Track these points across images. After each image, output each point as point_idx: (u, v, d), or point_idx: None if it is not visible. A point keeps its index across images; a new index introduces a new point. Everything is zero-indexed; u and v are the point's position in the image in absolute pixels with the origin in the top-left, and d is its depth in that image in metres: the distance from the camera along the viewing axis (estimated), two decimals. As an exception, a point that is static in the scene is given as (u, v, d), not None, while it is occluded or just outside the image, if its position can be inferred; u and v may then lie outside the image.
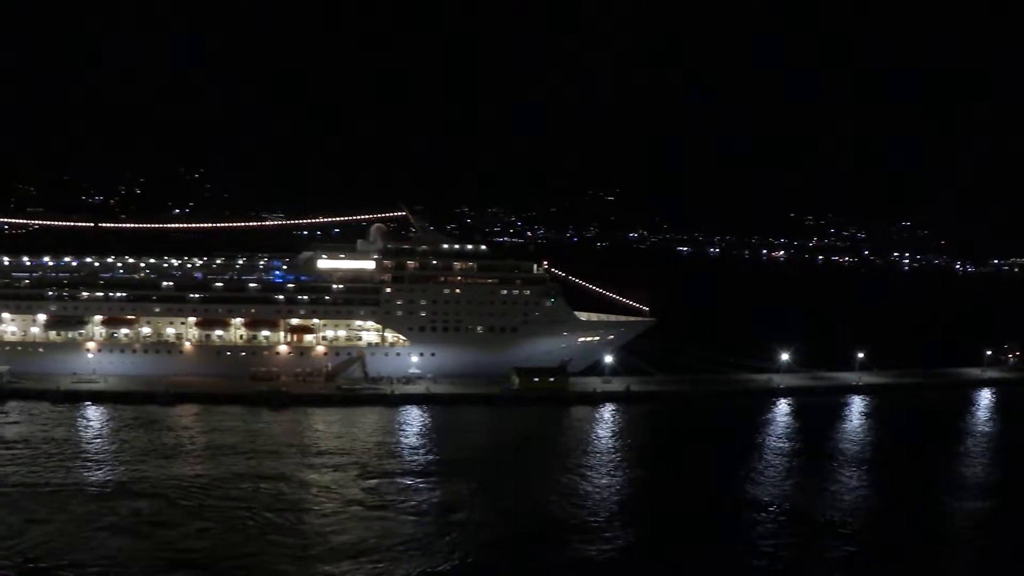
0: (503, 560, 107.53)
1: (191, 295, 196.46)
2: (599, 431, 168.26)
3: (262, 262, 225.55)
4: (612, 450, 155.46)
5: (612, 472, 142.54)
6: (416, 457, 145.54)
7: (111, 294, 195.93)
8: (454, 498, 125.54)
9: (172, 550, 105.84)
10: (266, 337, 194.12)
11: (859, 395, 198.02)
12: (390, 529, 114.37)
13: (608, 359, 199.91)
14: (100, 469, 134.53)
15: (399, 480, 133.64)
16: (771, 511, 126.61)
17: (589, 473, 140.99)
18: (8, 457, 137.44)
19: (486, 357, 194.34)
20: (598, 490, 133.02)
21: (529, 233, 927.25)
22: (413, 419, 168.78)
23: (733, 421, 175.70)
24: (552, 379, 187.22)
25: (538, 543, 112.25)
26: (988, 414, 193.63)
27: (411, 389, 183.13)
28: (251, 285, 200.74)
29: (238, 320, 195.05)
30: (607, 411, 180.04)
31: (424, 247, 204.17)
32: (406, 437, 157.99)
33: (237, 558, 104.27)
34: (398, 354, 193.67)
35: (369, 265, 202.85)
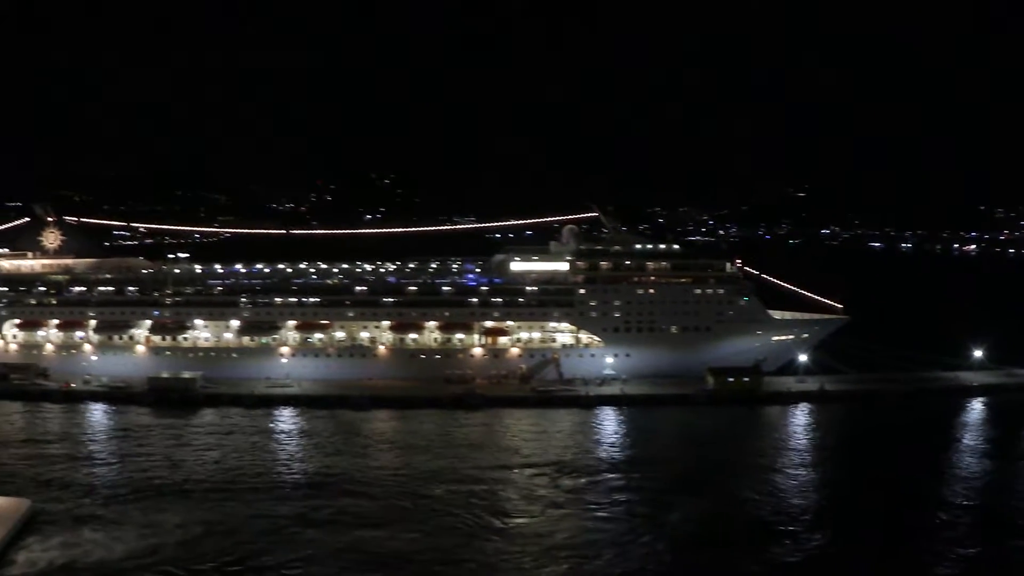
0: (700, 561, 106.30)
1: (385, 299, 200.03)
2: (793, 430, 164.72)
3: (455, 265, 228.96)
4: (806, 450, 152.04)
5: (806, 472, 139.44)
6: (612, 458, 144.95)
7: (304, 299, 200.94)
8: (651, 499, 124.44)
9: (382, 552, 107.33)
10: (460, 340, 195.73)
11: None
12: (591, 530, 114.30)
13: (802, 358, 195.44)
14: (297, 472, 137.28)
15: (597, 481, 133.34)
16: (965, 512, 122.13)
17: (784, 473, 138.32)
18: (204, 461, 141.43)
19: (680, 357, 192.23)
20: (793, 490, 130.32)
21: (721, 231, 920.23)
22: (608, 420, 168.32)
23: (927, 420, 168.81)
24: (746, 379, 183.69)
25: (734, 544, 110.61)
26: None
27: (605, 390, 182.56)
28: (445, 288, 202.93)
29: (432, 323, 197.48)
30: (801, 410, 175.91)
31: (617, 248, 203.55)
32: (602, 438, 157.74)
33: (451, 561, 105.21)
34: (592, 355, 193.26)
35: (562, 267, 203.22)
